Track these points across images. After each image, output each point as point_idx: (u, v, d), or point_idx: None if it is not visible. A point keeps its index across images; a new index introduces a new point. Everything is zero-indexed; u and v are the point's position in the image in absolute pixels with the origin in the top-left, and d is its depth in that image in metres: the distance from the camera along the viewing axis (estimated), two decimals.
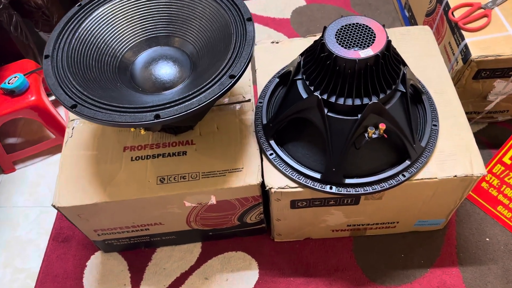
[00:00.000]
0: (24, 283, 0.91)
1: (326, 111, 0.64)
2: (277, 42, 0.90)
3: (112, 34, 0.69)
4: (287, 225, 0.83)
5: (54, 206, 0.72)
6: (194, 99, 0.57)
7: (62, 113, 1.11)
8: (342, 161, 0.66)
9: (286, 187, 0.70)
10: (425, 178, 0.69)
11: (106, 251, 0.92)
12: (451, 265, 0.85)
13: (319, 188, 0.69)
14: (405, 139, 0.66)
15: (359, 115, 0.62)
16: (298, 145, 0.72)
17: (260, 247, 0.90)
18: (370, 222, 0.83)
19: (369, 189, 0.68)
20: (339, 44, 0.60)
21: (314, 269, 0.86)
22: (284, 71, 0.80)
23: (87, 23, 0.67)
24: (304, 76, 0.66)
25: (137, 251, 0.91)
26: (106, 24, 0.69)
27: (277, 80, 0.81)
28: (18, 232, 0.98)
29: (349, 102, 0.62)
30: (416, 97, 0.76)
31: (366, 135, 0.63)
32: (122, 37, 0.70)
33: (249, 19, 0.65)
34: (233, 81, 0.58)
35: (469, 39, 0.84)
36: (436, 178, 0.69)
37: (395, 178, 0.68)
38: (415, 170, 0.69)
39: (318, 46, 0.62)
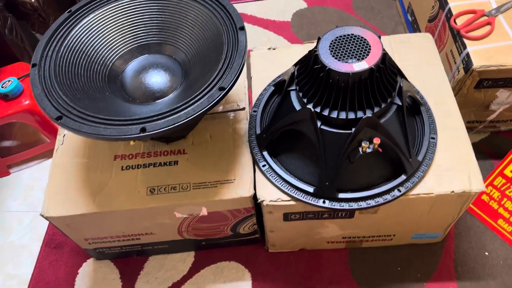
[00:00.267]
0: None
1: (319, 124, 0.62)
2: (274, 49, 0.88)
3: (102, 41, 0.68)
4: (281, 236, 0.81)
5: (43, 216, 0.71)
6: (182, 112, 0.55)
7: None
8: (335, 175, 0.64)
9: (279, 200, 0.69)
10: (421, 194, 0.67)
11: (98, 259, 0.91)
12: (449, 279, 0.83)
13: (312, 202, 0.67)
14: (401, 154, 0.64)
15: (353, 129, 0.60)
16: (291, 157, 0.71)
17: (253, 257, 0.88)
18: (366, 234, 0.81)
19: (363, 204, 0.66)
20: (333, 56, 0.58)
21: (308, 281, 0.85)
22: (279, 79, 0.78)
23: (76, 31, 0.66)
24: (297, 87, 0.64)
25: (129, 259, 0.90)
26: (96, 31, 0.68)
27: (272, 88, 0.79)
28: (11, 237, 0.97)
29: (342, 115, 0.60)
30: (414, 108, 0.74)
31: (360, 149, 0.62)
32: (112, 44, 0.69)
33: (242, 28, 0.63)
34: (222, 94, 0.57)
35: (471, 47, 0.82)
36: (432, 193, 0.67)
37: (390, 193, 0.66)
38: (411, 185, 0.67)
39: (312, 58, 0.60)
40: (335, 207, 0.66)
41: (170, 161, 0.74)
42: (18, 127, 1.14)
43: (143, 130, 0.54)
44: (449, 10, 0.89)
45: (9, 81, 0.95)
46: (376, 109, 0.60)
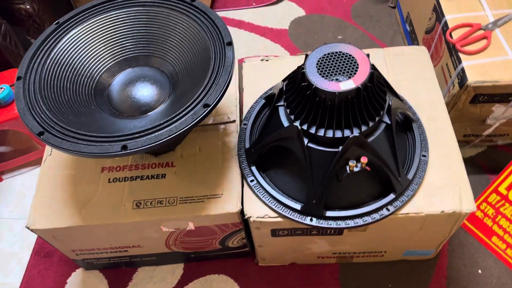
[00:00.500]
0: None
1: (306, 141, 0.61)
2: (266, 60, 0.87)
3: (90, 54, 0.67)
4: (270, 251, 0.80)
5: (28, 228, 0.71)
6: (165, 130, 0.54)
7: None
8: (323, 193, 0.63)
9: (266, 216, 0.68)
10: (410, 213, 0.65)
11: (87, 269, 0.90)
12: None
13: (299, 220, 0.66)
14: (390, 172, 0.63)
15: (340, 147, 0.59)
16: (280, 173, 0.70)
17: (243, 270, 0.87)
18: (356, 251, 0.80)
19: (351, 223, 0.65)
20: (320, 74, 0.57)
21: None
22: (270, 92, 0.77)
23: (63, 43, 0.65)
24: (285, 104, 0.63)
25: (118, 269, 0.89)
26: (83, 43, 0.67)
27: (263, 101, 0.78)
28: (1, 245, 0.97)
29: (329, 134, 0.59)
30: (406, 125, 0.72)
31: (347, 168, 0.60)
32: (100, 57, 0.68)
33: (229, 43, 0.62)
34: (207, 111, 0.56)
35: (466, 62, 0.80)
36: (422, 213, 0.65)
37: (379, 212, 0.65)
38: (400, 204, 0.65)
39: (299, 75, 0.59)
40: (322, 225, 0.65)
41: (157, 174, 0.73)
42: (12, 133, 1.14)
43: (124, 147, 0.53)
44: (445, 23, 0.88)
45: (1, 88, 0.94)
46: (363, 128, 0.58)
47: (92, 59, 0.67)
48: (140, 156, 0.76)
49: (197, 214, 0.69)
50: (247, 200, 0.69)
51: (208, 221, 0.71)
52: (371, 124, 0.59)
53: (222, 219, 0.71)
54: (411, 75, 0.81)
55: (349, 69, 0.57)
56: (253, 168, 0.71)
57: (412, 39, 1.16)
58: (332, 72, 0.57)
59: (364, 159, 0.59)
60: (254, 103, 0.80)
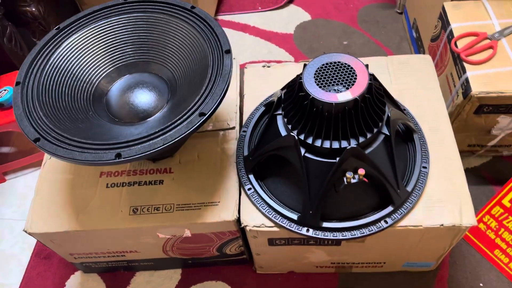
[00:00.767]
0: None
1: (303, 151, 0.60)
2: (268, 66, 0.87)
3: (89, 59, 0.67)
4: (267, 259, 0.80)
5: (26, 231, 0.71)
6: (159, 138, 0.54)
7: None
8: (319, 203, 0.62)
9: (262, 225, 0.67)
10: (409, 226, 0.64)
11: (85, 272, 0.90)
12: None
13: (296, 230, 0.65)
14: (388, 184, 0.62)
15: (338, 159, 0.58)
16: (277, 182, 0.69)
17: (241, 278, 0.87)
18: (355, 261, 0.79)
19: (348, 234, 0.64)
20: (317, 84, 0.56)
21: None
22: (270, 99, 0.77)
23: (63, 48, 0.65)
24: (283, 113, 0.62)
25: (116, 273, 0.89)
26: (83, 49, 0.67)
27: (263, 108, 0.78)
28: (2, 246, 0.98)
29: (326, 144, 0.58)
30: (407, 135, 0.71)
31: (345, 179, 0.60)
32: (99, 62, 0.68)
33: (228, 51, 0.61)
34: (202, 120, 0.55)
35: (471, 72, 0.79)
36: (421, 226, 0.64)
37: (377, 224, 0.64)
38: (398, 216, 0.64)
39: (297, 85, 0.58)
40: (319, 236, 0.64)
41: (155, 180, 0.73)
42: (16, 135, 1.15)
43: (118, 155, 0.53)
44: (451, 31, 0.86)
45: (5, 90, 0.95)
46: (361, 139, 0.58)
47: (92, 65, 0.67)
48: (139, 161, 0.75)
49: (193, 221, 0.68)
50: (244, 208, 0.69)
51: (204, 228, 0.71)
52: (369, 135, 0.58)
53: (219, 227, 0.70)
54: (414, 84, 0.80)
55: (347, 79, 0.56)
56: (251, 176, 0.70)
57: (418, 46, 1.14)
58: (330, 82, 0.56)
59: (361, 171, 0.58)
60: (254, 110, 0.79)
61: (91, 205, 0.71)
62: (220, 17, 1.37)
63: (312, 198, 0.62)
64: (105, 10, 0.69)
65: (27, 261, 0.94)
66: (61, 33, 0.67)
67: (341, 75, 0.57)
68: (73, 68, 0.66)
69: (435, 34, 0.96)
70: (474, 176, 0.96)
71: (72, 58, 0.66)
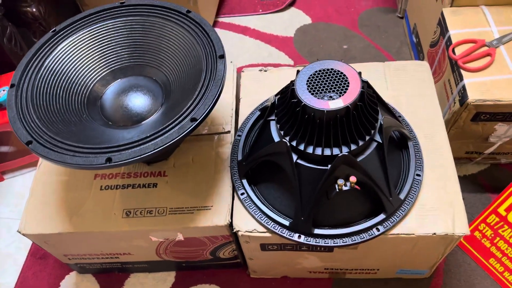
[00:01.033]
0: None
1: (295, 158, 0.60)
2: (265, 70, 0.87)
3: (84, 62, 0.67)
4: (260, 264, 0.80)
5: (20, 232, 0.71)
6: (150, 143, 0.54)
7: None
8: (311, 210, 0.62)
9: (254, 231, 0.67)
10: (401, 234, 0.64)
11: (80, 273, 0.91)
12: None
13: (287, 236, 0.65)
14: (380, 192, 0.62)
15: (329, 166, 0.58)
16: (270, 187, 0.69)
17: (235, 282, 0.87)
18: (348, 267, 0.79)
19: (340, 242, 0.64)
20: (310, 91, 0.56)
21: None
22: (265, 104, 0.77)
23: (58, 51, 0.66)
24: (276, 118, 0.62)
25: (111, 274, 0.90)
26: (78, 52, 0.67)
27: (259, 112, 0.78)
28: None
29: (318, 151, 0.58)
30: (401, 143, 0.71)
31: (336, 186, 0.59)
32: (94, 66, 0.68)
33: (221, 57, 0.61)
34: (194, 125, 0.55)
35: (468, 79, 0.79)
36: (413, 234, 0.64)
37: (368, 232, 0.64)
38: (390, 224, 0.64)
39: (289, 91, 0.58)
40: (310, 242, 0.64)
41: (149, 183, 0.73)
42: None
43: (109, 160, 0.53)
44: (449, 38, 0.86)
45: (4, 90, 0.96)
46: (353, 147, 0.57)
47: (87, 68, 0.68)
48: (133, 164, 0.76)
49: (185, 225, 0.68)
50: (237, 213, 0.69)
51: (197, 233, 0.71)
52: (361, 143, 0.58)
53: (211, 232, 0.70)
54: (411, 91, 0.79)
55: (339, 87, 0.56)
56: (244, 181, 0.70)
57: (418, 51, 1.14)
58: (322, 89, 0.56)
59: (353, 179, 0.58)
60: (250, 114, 0.79)
61: (84, 207, 0.71)
62: (220, 19, 1.37)
63: (304, 205, 0.62)
64: (101, 13, 0.69)
65: (23, 261, 0.95)
66: (56, 36, 0.67)
67: (333, 83, 0.56)
68: (68, 71, 0.66)
69: (434, 40, 0.96)
70: (471, 183, 0.95)
71: (67, 61, 0.66)
